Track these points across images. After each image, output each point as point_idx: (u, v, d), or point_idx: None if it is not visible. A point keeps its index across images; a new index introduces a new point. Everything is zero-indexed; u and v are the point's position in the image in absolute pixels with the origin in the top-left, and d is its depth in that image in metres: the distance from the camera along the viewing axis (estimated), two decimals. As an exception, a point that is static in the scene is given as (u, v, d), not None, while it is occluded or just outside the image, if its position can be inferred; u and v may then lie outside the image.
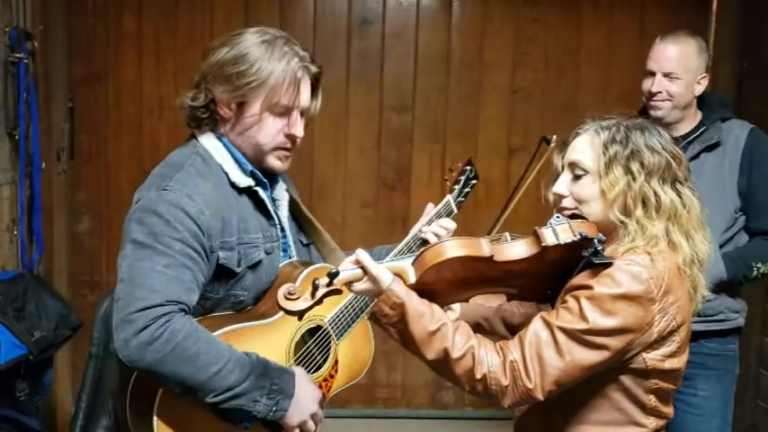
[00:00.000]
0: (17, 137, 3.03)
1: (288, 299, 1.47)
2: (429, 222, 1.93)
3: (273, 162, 1.76)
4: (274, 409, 1.59)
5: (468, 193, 2.09)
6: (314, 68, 1.75)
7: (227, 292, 1.70)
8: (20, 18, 3.07)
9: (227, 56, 1.67)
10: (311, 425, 1.69)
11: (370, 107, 3.79)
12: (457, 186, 2.06)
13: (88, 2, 3.62)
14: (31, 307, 2.72)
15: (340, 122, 3.77)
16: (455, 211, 2.02)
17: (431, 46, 3.77)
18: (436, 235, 1.90)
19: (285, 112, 1.71)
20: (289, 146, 1.76)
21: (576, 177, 1.59)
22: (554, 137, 1.90)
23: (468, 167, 2.10)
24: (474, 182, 2.10)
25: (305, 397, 1.65)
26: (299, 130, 1.74)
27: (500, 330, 1.89)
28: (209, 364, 1.52)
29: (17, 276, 2.83)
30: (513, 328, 1.84)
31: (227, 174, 1.70)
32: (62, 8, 3.52)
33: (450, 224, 1.93)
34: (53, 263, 3.45)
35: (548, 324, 1.48)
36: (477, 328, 1.89)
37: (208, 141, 1.73)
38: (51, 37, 3.38)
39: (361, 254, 1.50)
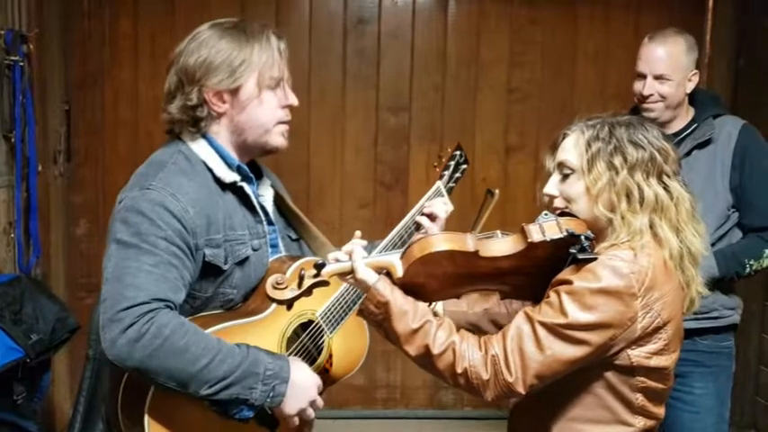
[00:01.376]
0: (13, 140, 3.02)
1: (275, 288, 1.50)
2: (420, 211, 1.93)
3: (277, 139, 1.75)
4: (271, 394, 1.58)
5: (458, 178, 2.07)
6: (281, 38, 1.76)
7: (216, 290, 1.70)
8: (15, 21, 3.06)
9: (204, 50, 1.67)
10: (310, 412, 1.67)
11: (367, 107, 3.79)
12: (447, 172, 2.05)
13: (83, 4, 3.62)
14: (28, 310, 2.71)
15: (336, 122, 3.77)
16: (445, 196, 2.01)
17: (427, 45, 3.77)
18: (431, 216, 1.91)
19: (277, 85, 1.72)
20: (288, 118, 1.77)
21: (564, 177, 1.60)
22: (497, 190, 2.02)
23: (458, 152, 2.08)
24: (464, 166, 2.09)
25: (302, 382, 1.64)
26: (293, 98, 1.76)
27: (491, 331, 1.89)
28: (200, 356, 1.52)
29: (14, 279, 2.82)
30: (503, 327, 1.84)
31: (211, 170, 1.70)
32: (57, 10, 3.51)
33: (438, 207, 1.93)
34: (50, 266, 3.45)
35: (529, 318, 1.49)
36: None
37: (191, 139, 1.72)
38: (47, 39, 3.37)
39: (356, 249, 1.55)
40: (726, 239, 2.41)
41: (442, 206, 1.93)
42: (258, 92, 1.69)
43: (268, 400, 1.58)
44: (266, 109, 1.71)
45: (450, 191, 2.04)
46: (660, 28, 2.54)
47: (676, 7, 3.77)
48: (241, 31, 1.70)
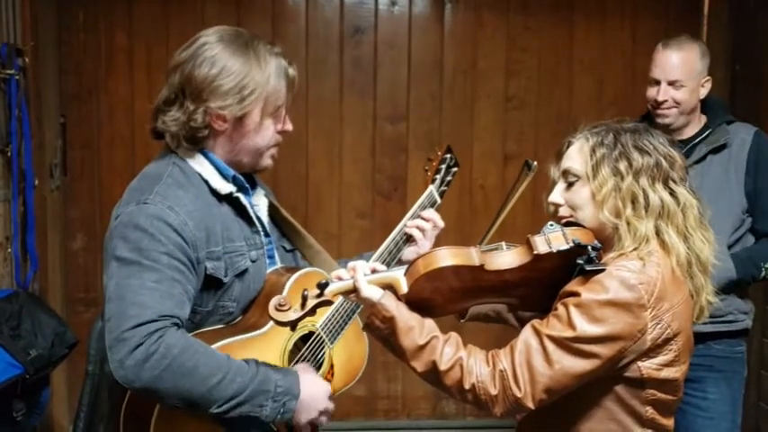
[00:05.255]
0: (9, 154, 3.01)
1: (278, 310, 1.48)
2: (413, 216, 1.92)
3: (267, 161, 1.76)
4: (281, 411, 1.57)
5: (449, 181, 2.06)
6: (292, 65, 1.75)
7: (216, 303, 1.68)
8: (10, 34, 3.05)
9: (215, 68, 1.63)
10: (322, 419, 1.68)
11: (364, 117, 3.78)
12: (438, 176, 2.03)
13: (79, 17, 3.61)
14: (26, 325, 2.69)
15: (334, 132, 3.77)
16: (438, 200, 2.00)
17: (424, 54, 3.77)
18: (420, 228, 1.89)
19: (278, 112, 1.72)
20: (280, 141, 1.77)
21: (570, 185, 1.59)
22: (535, 162, 1.93)
23: (448, 155, 2.07)
24: (455, 169, 2.07)
25: (311, 395, 1.63)
26: (289, 125, 1.77)
27: (511, 321, 1.86)
28: (210, 376, 1.50)
29: (12, 295, 2.80)
30: (524, 320, 1.82)
31: (206, 181, 1.68)
32: (52, 24, 3.50)
33: (434, 215, 1.92)
34: (48, 280, 3.42)
35: (537, 332, 1.47)
36: (486, 318, 1.86)
37: (185, 152, 1.70)
38: (42, 53, 3.36)
39: (358, 267, 1.51)
40: (741, 243, 2.44)
41: (428, 225, 1.91)
42: (261, 119, 1.68)
43: (278, 416, 1.57)
44: (262, 135, 1.71)
45: (442, 194, 2.02)
46: (656, 35, 2.56)
47: (672, 14, 3.78)
48: (251, 52, 1.66)
